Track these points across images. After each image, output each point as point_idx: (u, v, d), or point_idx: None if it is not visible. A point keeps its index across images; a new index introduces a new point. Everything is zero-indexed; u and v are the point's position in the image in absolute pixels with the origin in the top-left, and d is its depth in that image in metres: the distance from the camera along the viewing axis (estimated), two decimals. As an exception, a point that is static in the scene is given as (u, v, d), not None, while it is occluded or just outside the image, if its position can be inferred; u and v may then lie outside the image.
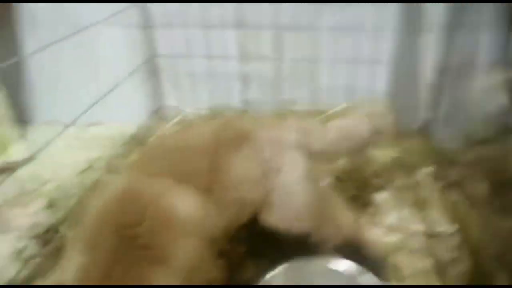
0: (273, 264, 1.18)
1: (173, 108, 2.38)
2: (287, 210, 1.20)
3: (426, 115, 1.93)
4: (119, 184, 1.05)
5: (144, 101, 2.23)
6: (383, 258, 1.32)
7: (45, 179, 1.39)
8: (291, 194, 1.22)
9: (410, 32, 1.95)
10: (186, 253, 0.94)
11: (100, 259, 0.87)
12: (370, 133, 1.61)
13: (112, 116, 1.82)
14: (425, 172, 1.69)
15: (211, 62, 2.28)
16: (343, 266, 1.17)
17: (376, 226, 1.54)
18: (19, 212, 1.48)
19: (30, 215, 1.28)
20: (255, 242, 1.21)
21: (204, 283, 0.97)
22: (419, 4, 1.83)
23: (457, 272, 1.23)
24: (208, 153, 1.11)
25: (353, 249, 1.24)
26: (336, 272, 1.16)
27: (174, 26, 2.20)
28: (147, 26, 2.19)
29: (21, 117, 2.21)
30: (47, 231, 1.39)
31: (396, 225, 1.54)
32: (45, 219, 1.44)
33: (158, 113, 2.36)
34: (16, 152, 1.71)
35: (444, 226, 1.42)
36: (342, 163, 1.83)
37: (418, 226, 1.51)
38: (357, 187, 1.71)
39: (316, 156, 1.34)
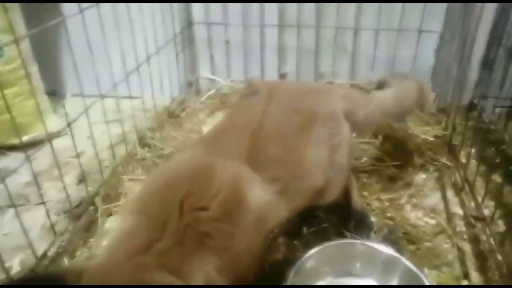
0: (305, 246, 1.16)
1: (208, 80, 2.35)
2: (339, 186, 1.20)
3: (475, 91, 1.78)
4: (192, 157, 1.02)
5: (179, 73, 2.20)
6: (367, 217, 1.33)
7: (79, 151, 1.39)
8: (343, 171, 1.21)
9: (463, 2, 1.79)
10: (245, 248, 0.91)
11: (153, 226, 0.83)
12: (413, 104, 1.54)
13: (145, 88, 1.81)
14: (469, 152, 1.57)
15: (248, 31, 2.20)
16: (382, 248, 1.12)
17: (416, 207, 1.47)
18: (52, 185, 1.52)
19: (63, 189, 1.30)
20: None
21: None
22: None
23: (498, 260, 1.15)
24: (281, 139, 1.07)
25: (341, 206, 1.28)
26: (375, 253, 1.12)
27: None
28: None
29: (56, 89, 2.27)
30: (79, 204, 1.41)
31: (436, 207, 1.46)
32: (77, 192, 1.47)
33: (192, 85, 2.33)
34: (50, 124, 1.75)
35: (487, 210, 1.33)
36: (381, 140, 1.75)
37: (459, 209, 1.43)
38: (398, 166, 1.62)
39: (358, 125, 1.34)
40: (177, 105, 2.14)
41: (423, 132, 1.76)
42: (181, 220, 0.84)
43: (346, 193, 1.32)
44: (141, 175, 1.60)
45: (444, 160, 1.64)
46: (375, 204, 1.46)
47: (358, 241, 1.16)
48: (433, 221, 1.39)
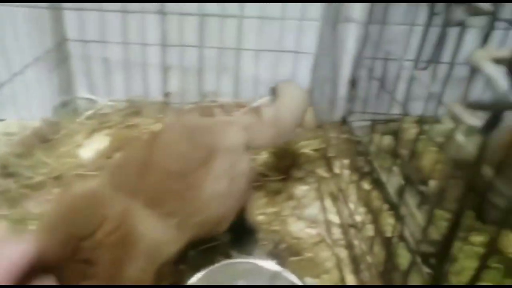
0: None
1: (85, 100, 2.20)
2: (234, 213, 1.20)
3: (346, 108, 1.96)
4: (88, 187, 0.99)
5: (52, 93, 2.02)
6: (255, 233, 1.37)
7: None
8: (241, 198, 1.22)
9: (332, 24, 1.95)
10: (134, 277, 0.89)
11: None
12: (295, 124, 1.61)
13: (13, 111, 1.62)
14: (343, 163, 1.71)
15: (129, 49, 2.12)
16: (266, 264, 1.15)
17: (299, 219, 1.54)
18: None
19: None
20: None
21: None
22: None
23: (371, 263, 1.25)
24: (180, 175, 1.06)
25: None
26: (259, 270, 1.14)
27: (86, 9, 2.01)
28: (56, 7, 1.98)
29: None
30: None
31: (316, 217, 1.55)
32: None
33: (67, 105, 2.16)
34: None
35: (359, 217, 1.45)
36: (264, 156, 1.81)
37: (336, 218, 1.53)
38: (281, 180, 1.69)
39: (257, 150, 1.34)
40: (49, 127, 1.96)
41: (303, 146, 1.88)
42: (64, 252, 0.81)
43: (242, 211, 1.32)
44: (6, 210, 1.41)
45: (321, 171, 1.76)
46: (261, 218, 1.50)
47: (243, 260, 1.17)
48: (313, 231, 1.48)
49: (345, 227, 1.45)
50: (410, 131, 1.55)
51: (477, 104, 0.68)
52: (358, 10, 1.82)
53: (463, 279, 1.23)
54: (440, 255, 0.87)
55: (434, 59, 1.21)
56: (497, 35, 1.77)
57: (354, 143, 1.83)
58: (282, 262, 1.26)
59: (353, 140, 1.86)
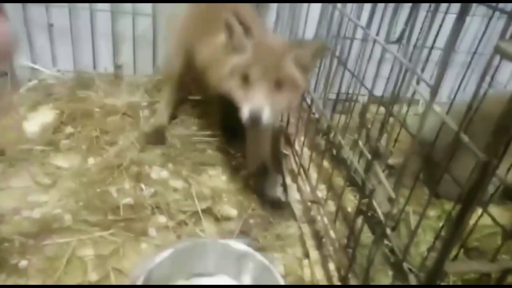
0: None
1: (28, 69, 2.01)
2: None
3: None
4: None
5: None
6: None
7: None
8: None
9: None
10: None
11: None
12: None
13: None
14: (301, 141, 1.73)
15: (75, 14, 1.96)
16: (234, 244, 1.14)
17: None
18: None
19: None
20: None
21: None
22: None
23: (332, 237, 1.29)
24: None
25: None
26: (227, 249, 1.13)
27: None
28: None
29: None
30: None
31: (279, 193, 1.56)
32: None
33: (7, 74, 1.96)
34: None
35: (320, 193, 1.48)
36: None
37: (297, 194, 1.55)
38: (242, 156, 1.68)
39: None
40: (-13, 98, 1.78)
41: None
42: None
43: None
44: None
45: (282, 149, 1.76)
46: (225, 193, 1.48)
47: (210, 240, 1.16)
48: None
49: (308, 203, 1.47)
50: (372, 110, 1.59)
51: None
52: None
53: (421, 249, 1.31)
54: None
55: (405, 36, 1.24)
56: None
57: (314, 121, 1.84)
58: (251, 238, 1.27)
59: (313, 118, 1.88)
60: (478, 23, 1.96)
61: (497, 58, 1.00)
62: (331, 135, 1.76)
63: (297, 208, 1.47)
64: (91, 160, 1.53)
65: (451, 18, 0.89)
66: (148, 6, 2.00)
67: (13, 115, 1.73)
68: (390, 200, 0.85)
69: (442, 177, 0.98)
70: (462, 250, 1.25)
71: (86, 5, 1.95)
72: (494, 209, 1.39)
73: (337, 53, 1.35)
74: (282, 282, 1.05)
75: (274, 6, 2.01)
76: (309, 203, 1.47)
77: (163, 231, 1.28)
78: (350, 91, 1.75)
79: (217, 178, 1.55)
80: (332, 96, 1.73)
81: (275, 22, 1.99)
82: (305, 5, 1.79)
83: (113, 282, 1.11)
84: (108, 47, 2.07)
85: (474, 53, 1.76)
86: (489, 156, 0.66)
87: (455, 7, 0.83)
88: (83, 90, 1.95)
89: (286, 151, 1.76)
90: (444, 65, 0.79)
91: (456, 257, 1.21)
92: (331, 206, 1.46)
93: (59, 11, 1.95)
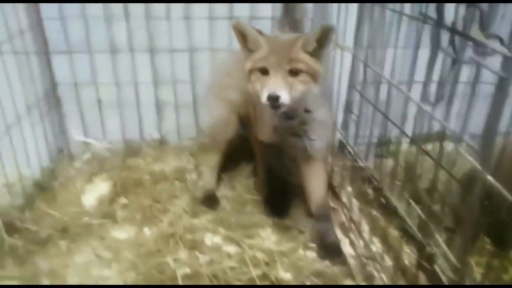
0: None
1: (80, 143, 2.15)
2: None
3: (343, 133, 1.97)
4: None
5: (46, 139, 1.97)
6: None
7: None
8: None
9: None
10: None
11: None
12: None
13: (9, 161, 1.57)
14: (348, 192, 1.72)
15: (120, 89, 2.11)
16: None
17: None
18: None
19: None
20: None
21: None
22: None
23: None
24: None
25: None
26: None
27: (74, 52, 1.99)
28: (44, 51, 1.95)
29: None
30: None
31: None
32: None
33: (63, 151, 2.11)
34: None
35: (374, 246, 1.45)
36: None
37: (350, 250, 1.53)
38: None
39: None
40: (47, 175, 1.90)
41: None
42: None
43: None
44: (15, 272, 1.36)
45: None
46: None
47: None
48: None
49: (362, 259, 1.45)
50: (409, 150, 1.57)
51: None
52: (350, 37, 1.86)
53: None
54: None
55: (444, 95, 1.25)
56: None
57: (357, 169, 1.84)
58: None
59: (355, 166, 1.87)
60: None
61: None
62: (377, 183, 1.74)
63: (353, 264, 1.45)
64: (146, 230, 1.59)
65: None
66: (187, 74, 2.11)
67: (72, 190, 1.84)
68: (456, 271, 0.84)
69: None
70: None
71: (130, 79, 2.08)
72: None
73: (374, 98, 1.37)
74: None
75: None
76: (364, 260, 1.44)
77: (222, 299, 1.30)
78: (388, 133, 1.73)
79: (268, 240, 1.56)
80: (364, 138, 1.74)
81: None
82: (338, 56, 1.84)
83: None
84: (152, 115, 2.19)
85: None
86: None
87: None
88: (132, 159, 2.06)
89: (333, 204, 1.76)
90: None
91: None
92: (387, 260, 1.43)
93: (107, 87, 2.09)
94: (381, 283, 1.34)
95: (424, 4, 1.22)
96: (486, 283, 1.05)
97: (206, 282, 1.34)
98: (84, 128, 2.16)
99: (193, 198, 1.77)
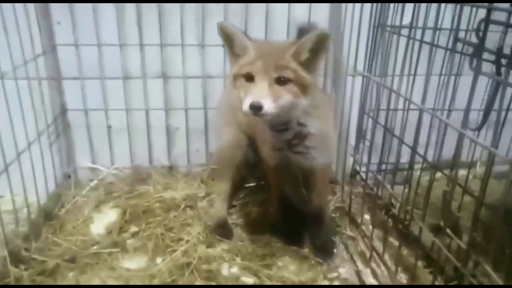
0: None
1: (88, 169, 2.10)
2: None
3: (354, 159, 1.94)
4: None
5: (53, 165, 1.91)
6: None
7: None
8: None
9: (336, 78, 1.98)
10: None
11: None
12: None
13: (16, 186, 1.51)
14: (365, 220, 1.67)
15: (130, 115, 2.07)
16: None
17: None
18: None
19: None
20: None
21: None
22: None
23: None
24: None
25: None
26: None
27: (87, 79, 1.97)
28: (54, 77, 1.93)
29: None
30: None
31: (352, 281, 1.48)
32: None
33: (70, 177, 2.05)
34: None
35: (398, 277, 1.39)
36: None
37: (373, 280, 1.47)
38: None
39: None
40: (54, 202, 1.84)
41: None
42: None
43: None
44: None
45: (347, 231, 1.71)
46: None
47: None
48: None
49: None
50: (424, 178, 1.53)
51: None
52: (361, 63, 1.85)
53: None
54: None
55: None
56: None
57: (373, 196, 1.79)
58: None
59: (371, 193, 1.83)
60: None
61: None
62: (395, 210, 1.69)
63: (377, 297, 1.39)
64: (159, 260, 1.52)
65: None
66: (199, 101, 2.08)
67: (79, 217, 1.77)
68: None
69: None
70: None
71: (142, 105, 2.05)
72: None
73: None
74: None
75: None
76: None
77: (242, 334, 1.22)
78: (403, 160, 1.69)
79: (286, 269, 1.49)
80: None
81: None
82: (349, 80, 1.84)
83: None
84: (163, 141, 2.15)
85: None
86: None
87: None
88: (141, 185, 2.00)
89: (352, 233, 1.70)
90: None
91: None
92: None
93: (117, 114, 2.06)
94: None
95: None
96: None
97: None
98: (92, 155, 2.11)
99: (206, 226, 1.70)
